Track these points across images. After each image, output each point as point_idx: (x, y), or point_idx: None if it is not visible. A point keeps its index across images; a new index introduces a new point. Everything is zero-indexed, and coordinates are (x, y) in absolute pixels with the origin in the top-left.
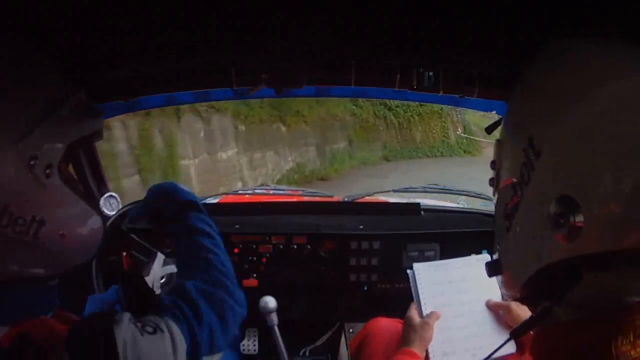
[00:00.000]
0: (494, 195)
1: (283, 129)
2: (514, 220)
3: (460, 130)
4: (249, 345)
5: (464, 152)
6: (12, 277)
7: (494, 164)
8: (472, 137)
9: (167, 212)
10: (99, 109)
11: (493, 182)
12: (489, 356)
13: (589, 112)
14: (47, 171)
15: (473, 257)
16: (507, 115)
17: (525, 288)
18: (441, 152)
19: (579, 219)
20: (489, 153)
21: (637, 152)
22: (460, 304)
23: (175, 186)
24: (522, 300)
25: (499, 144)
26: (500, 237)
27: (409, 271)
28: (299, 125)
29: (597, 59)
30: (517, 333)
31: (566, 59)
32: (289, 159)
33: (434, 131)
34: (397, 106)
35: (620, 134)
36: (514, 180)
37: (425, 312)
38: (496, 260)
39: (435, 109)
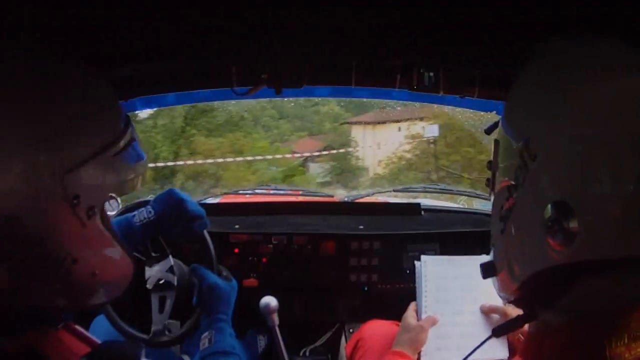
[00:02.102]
0: (490, 195)
1: None
2: (508, 222)
3: None
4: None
5: None
6: (31, 305)
7: (490, 164)
8: None
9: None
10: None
11: (489, 182)
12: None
13: (585, 115)
14: (90, 213)
15: (483, 257)
16: (504, 115)
17: (519, 290)
18: None
19: (574, 225)
20: None
21: (635, 159)
22: (461, 302)
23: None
24: (516, 303)
25: (496, 143)
26: (495, 239)
27: (416, 262)
28: None
29: (595, 59)
30: (499, 332)
31: (563, 59)
32: None
33: None
34: None
35: (618, 138)
36: (509, 182)
37: (425, 305)
38: (491, 261)
39: None
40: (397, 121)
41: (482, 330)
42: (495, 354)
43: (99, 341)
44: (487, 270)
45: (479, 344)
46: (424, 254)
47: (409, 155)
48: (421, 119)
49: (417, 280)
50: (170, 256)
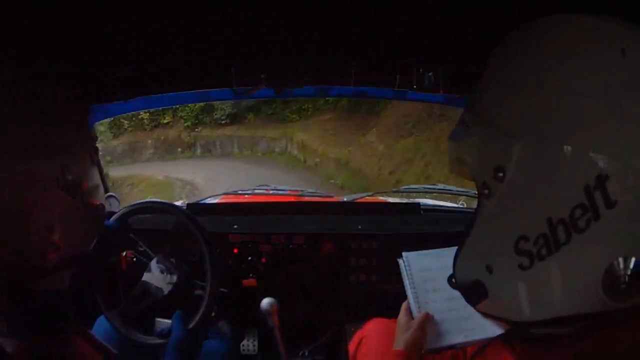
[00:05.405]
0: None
1: None
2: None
3: None
4: (249, 345)
5: None
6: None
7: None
8: None
9: None
10: None
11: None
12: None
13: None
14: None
15: None
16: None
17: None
18: None
19: None
20: None
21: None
22: (450, 288)
23: None
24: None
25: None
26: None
27: (399, 260)
28: None
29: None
30: None
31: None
32: None
33: None
34: None
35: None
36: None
37: (415, 299)
38: (480, 283)
39: None
40: None
41: (475, 311)
42: (495, 332)
43: (111, 348)
44: (477, 293)
45: (481, 325)
46: None
47: None
48: None
49: (402, 277)
50: (171, 258)
